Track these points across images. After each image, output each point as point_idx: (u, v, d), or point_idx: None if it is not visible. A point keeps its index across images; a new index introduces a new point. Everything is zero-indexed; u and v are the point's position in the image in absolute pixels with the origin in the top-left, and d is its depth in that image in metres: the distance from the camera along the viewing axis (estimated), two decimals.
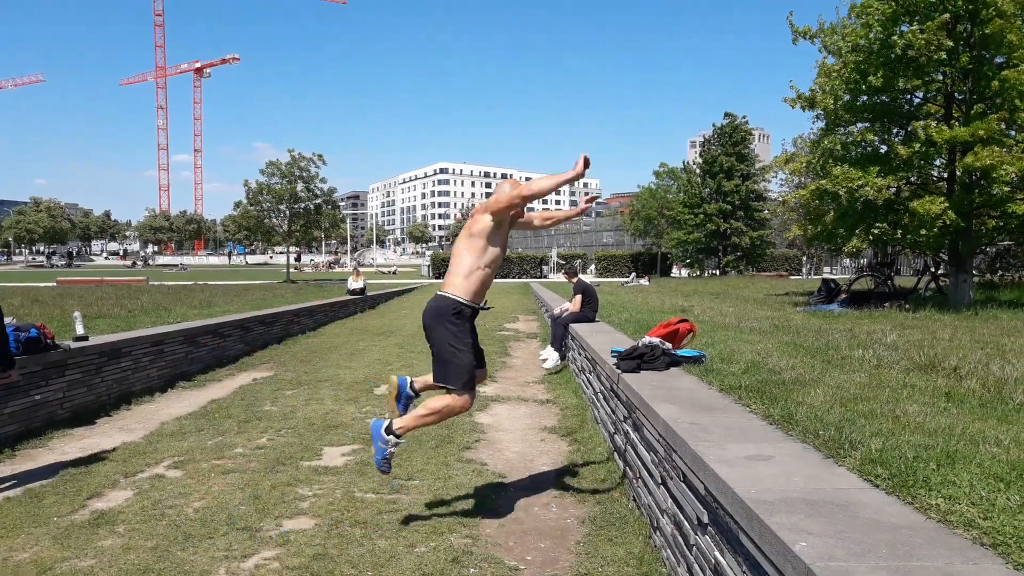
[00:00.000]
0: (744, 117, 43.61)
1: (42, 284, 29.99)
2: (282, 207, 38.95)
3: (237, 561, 3.52)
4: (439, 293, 3.93)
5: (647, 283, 30.05)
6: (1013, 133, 11.37)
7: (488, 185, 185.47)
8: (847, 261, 50.54)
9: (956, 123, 11.05)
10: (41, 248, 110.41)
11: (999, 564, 1.82)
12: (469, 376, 3.84)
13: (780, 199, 32.86)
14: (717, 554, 2.59)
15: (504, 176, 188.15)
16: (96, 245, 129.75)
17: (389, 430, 3.87)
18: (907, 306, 11.35)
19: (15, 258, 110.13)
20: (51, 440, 5.95)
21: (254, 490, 4.57)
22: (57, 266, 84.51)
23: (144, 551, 3.63)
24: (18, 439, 5.78)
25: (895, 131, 12.55)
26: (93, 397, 6.99)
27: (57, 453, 5.59)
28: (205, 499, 4.43)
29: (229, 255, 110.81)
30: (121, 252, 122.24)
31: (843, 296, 12.75)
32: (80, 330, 7.26)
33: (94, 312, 11.30)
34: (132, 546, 3.70)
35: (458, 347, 3.82)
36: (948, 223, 10.68)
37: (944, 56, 10.74)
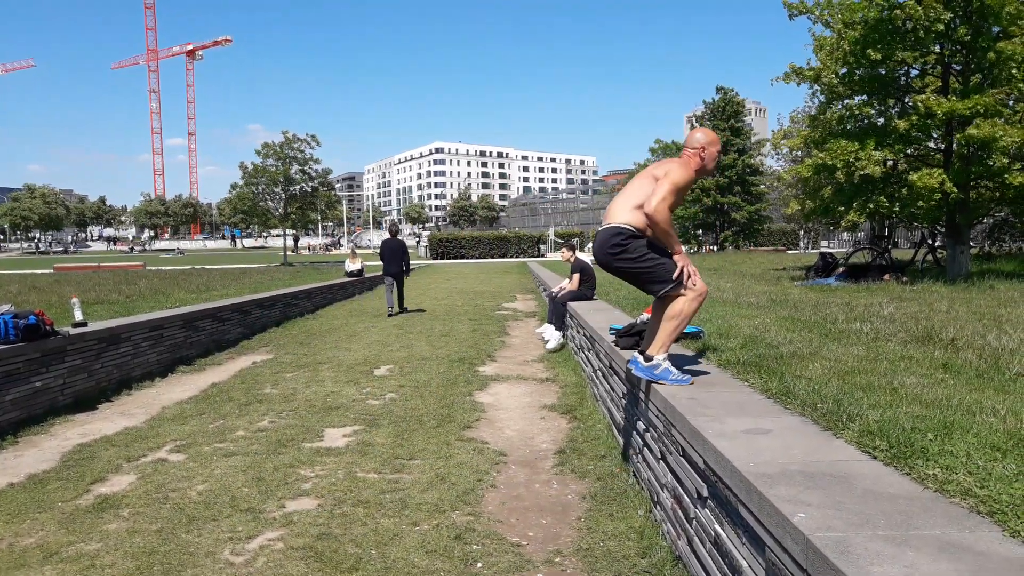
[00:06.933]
0: (733, 90, 43.22)
1: (39, 271, 29.91)
2: (277, 189, 38.73)
3: (242, 542, 3.56)
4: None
5: None
6: (1012, 103, 11.30)
7: (484, 164, 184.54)
8: (844, 235, 50.56)
9: (953, 96, 10.99)
10: (36, 235, 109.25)
11: (996, 532, 1.85)
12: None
13: (776, 175, 32.71)
14: (717, 527, 2.62)
15: (500, 155, 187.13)
16: (94, 231, 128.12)
17: (648, 358, 3.76)
18: (904, 279, 11.37)
19: (10, 245, 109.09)
20: (53, 426, 5.97)
21: (256, 472, 4.60)
22: (66, 252, 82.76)
23: (149, 534, 3.66)
24: (20, 426, 5.81)
25: (892, 104, 12.48)
26: (93, 383, 7.01)
27: (59, 439, 5.61)
28: (208, 482, 4.46)
29: (234, 239, 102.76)
30: (107, 238, 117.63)
31: (840, 270, 12.77)
32: (79, 316, 7.26)
33: (92, 298, 11.29)
34: (137, 529, 3.73)
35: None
36: (948, 193, 10.67)
37: (942, 28, 10.64)
